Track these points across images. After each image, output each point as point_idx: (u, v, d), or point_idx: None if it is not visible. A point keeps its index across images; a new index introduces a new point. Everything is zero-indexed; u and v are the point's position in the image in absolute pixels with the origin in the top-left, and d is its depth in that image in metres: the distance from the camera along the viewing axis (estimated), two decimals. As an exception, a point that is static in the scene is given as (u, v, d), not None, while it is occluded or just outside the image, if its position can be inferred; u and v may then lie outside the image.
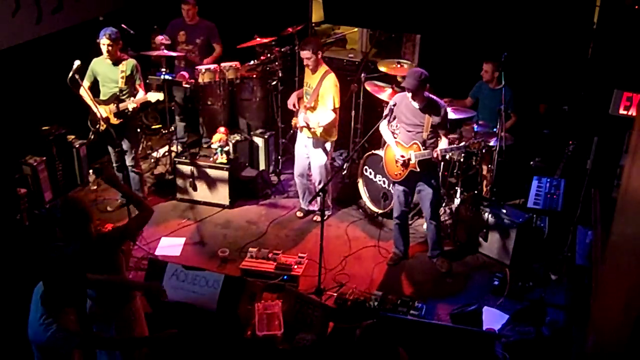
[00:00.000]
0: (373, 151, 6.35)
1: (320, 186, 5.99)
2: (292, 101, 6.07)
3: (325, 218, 6.13)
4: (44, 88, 6.28)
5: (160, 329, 4.03)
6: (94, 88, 5.91)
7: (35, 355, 3.46)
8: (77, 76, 5.63)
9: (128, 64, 5.84)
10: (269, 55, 7.07)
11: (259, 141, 7.05)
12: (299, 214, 6.46)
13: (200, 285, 4.83)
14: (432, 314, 5.10)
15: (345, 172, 6.99)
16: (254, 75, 7.07)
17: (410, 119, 5.22)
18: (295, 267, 5.45)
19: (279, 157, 7.14)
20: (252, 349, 4.69)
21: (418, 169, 5.26)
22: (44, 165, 6.30)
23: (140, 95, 5.92)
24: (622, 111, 4.84)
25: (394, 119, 5.39)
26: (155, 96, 5.93)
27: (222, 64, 6.85)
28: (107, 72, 5.82)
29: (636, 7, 5.57)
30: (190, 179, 6.53)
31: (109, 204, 6.48)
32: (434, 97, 5.21)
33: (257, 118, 7.32)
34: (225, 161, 6.44)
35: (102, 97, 5.90)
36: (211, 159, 6.49)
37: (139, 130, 7.33)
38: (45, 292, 3.29)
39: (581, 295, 4.67)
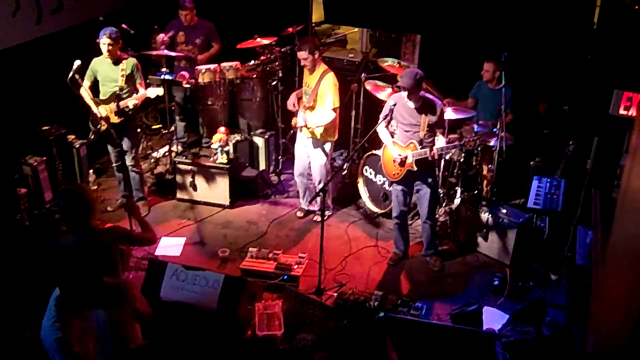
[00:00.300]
0: (373, 151, 6.35)
1: (320, 186, 6.00)
2: (291, 101, 6.07)
3: (325, 218, 6.14)
4: (44, 88, 6.27)
5: (160, 329, 4.05)
6: (94, 88, 5.91)
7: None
8: (77, 76, 5.63)
9: (128, 63, 5.84)
10: (269, 55, 7.07)
11: (259, 141, 7.05)
12: (299, 214, 6.46)
13: (200, 285, 4.82)
14: (432, 314, 5.10)
15: (345, 172, 6.99)
16: (254, 75, 7.07)
17: (407, 119, 5.22)
18: (296, 267, 5.44)
19: (279, 157, 7.14)
20: (252, 349, 4.69)
21: (415, 169, 5.27)
22: (44, 165, 6.30)
23: (142, 92, 5.92)
24: (622, 111, 4.84)
25: (390, 117, 5.39)
26: (154, 92, 5.93)
27: (222, 64, 6.85)
28: (107, 71, 5.82)
29: (636, 7, 5.58)
30: (191, 179, 6.53)
31: (109, 204, 6.48)
32: (430, 97, 5.22)
33: (257, 118, 7.32)
34: (225, 161, 6.44)
35: (102, 97, 5.90)
36: (211, 159, 6.49)
37: (139, 130, 7.34)
38: (61, 294, 3.31)
39: (581, 295, 4.67)
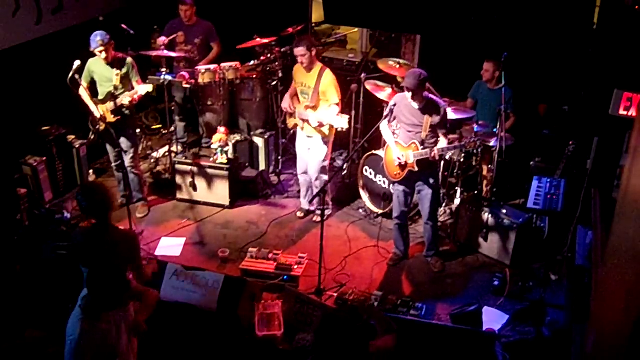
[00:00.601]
0: (373, 151, 6.35)
1: (318, 183, 6.00)
2: (287, 103, 6.06)
3: (325, 218, 6.14)
4: (43, 88, 6.27)
5: (160, 329, 4.05)
6: (92, 88, 5.90)
7: None
8: (77, 76, 5.64)
9: (125, 62, 5.82)
10: (269, 55, 7.07)
11: (259, 141, 7.05)
12: (300, 214, 6.46)
13: (200, 285, 4.83)
14: (432, 314, 5.10)
15: (345, 172, 6.99)
16: (254, 76, 7.07)
17: (410, 119, 5.22)
18: (295, 267, 5.44)
19: (279, 157, 7.13)
20: (252, 349, 4.69)
21: (417, 169, 5.27)
22: (44, 166, 6.30)
23: (140, 85, 5.89)
24: (622, 111, 4.83)
25: (394, 119, 5.40)
26: (144, 88, 5.88)
27: (222, 64, 6.85)
28: (103, 71, 5.80)
29: (636, 7, 5.57)
30: (190, 179, 6.53)
31: (109, 204, 6.47)
32: (434, 97, 5.21)
33: (257, 118, 7.32)
34: (225, 161, 6.44)
35: (100, 97, 5.89)
36: (211, 159, 6.49)
37: (138, 130, 7.34)
38: (88, 296, 3.35)
39: (581, 295, 4.67)
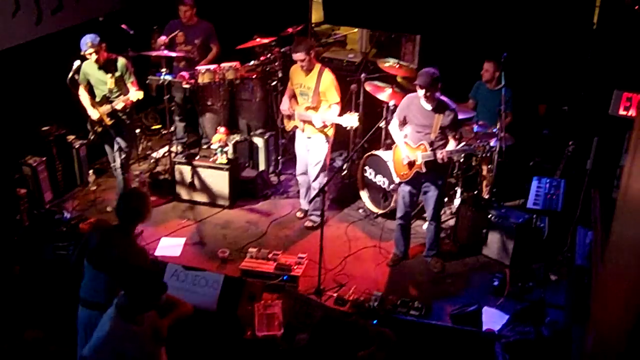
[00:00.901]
0: (373, 151, 6.35)
1: (316, 184, 5.99)
2: (287, 105, 6.04)
3: (315, 224, 6.15)
4: (43, 88, 6.27)
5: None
6: (91, 89, 5.89)
7: None
8: (76, 76, 5.63)
9: (118, 64, 5.79)
10: (268, 55, 7.07)
11: (258, 141, 7.05)
12: (299, 214, 6.45)
13: (200, 285, 4.83)
14: (432, 314, 5.10)
15: (345, 172, 6.99)
16: (254, 76, 7.07)
17: (420, 120, 5.21)
18: (295, 267, 5.44)
19: (279, 158, 7.13)
20: (252, 349, 4.69)
21: (424, 170, 5.26)
22: (44, 166, 6.30)
23: (131, 91, 5.85)
24: (622, 111, 4.83)
25: (404, 118, 5.38)
26: (135, 95, 5.85)
27: (222, 64, 6.84)
28: (97, 74, 5.75)
29: (636, 7, 5.57)
30: (190, 180, 6.53)
31: (108, 204, 6.48)
32: (445, 99, 5.20)
33: (257, 118, 7.31)
34: (225, 161, 6.44)
35: (97, 99, 5.85)
36: (211, 160, 6.49)
37: (138, 130, 7.34)
38: (125, 297, 3.34)
39: (581, 295, 4.67)
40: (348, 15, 6.89)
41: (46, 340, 4.74)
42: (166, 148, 7.01)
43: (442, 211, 6.24)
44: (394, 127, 5.50)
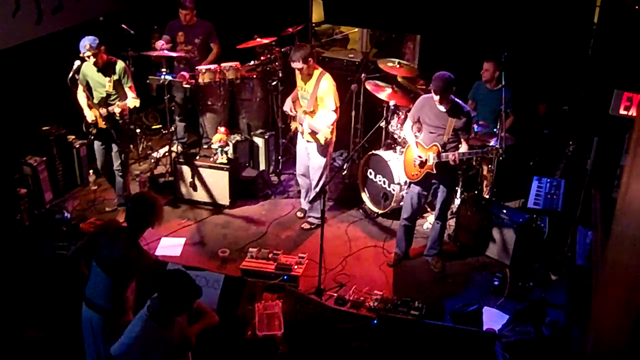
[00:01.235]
0: (373, 151, 6.35)
1: (318, 187, 5.98)
2: (288, 106, 6.02)
3: (314, 226, 6.15)
4: (43, 88, 6.27)
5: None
6: (90, 91, 5.87)
7: None
8: (77, 76, 5.62)
9: (117, 67, 5.75)
10: (269, 55, 7.07)
11: (259, 141, 7.05)
12: (299, 214, 6.45)
13: (200, 285, 4.81)
14: (432, 314, 5.09)
15: (345, 172, 6.99)
16: (254, 76, 7.07)
17: (434, 121, 5.20)
18: (296, 267, 5.44)
19: (279, 157, 7.13)
20: (252, 349, 4.70)
21: (435, 172, 5.26)
22: (44, 166, 6.30)
23: (131, 96, 5.82)
24: (622, 111, 4.83)
25: (418, 119, 5.37)
26: (132, 102, 5.82)
27: (222, 64, 6.84)
28: (95, 77, 5.71)
29: (636, 7, 5.57)
30: (191, 179, 6.53)
31: (108, 204, 6.48)
32: (460, 102, 5.20)
33: (257, 118, 7.32)
34: (225, 161, 6.44)
35: (95, 101, 5.83)
36: (211, 159, 6.49)
37: (138, 130, 7.34)
38: (158, 300, 3.31)
39: (581, 295, 4.67)
40: (348, 15, 6.90)
41: (46, 340, 4.74)
42: (166, 148, 7.01)
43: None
44: (407, 128, 5.50)
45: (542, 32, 6.18)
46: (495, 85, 6.28)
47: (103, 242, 3.85)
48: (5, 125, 5.88)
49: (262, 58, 7.11)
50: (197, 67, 6.78)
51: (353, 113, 6.92)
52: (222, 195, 6.53)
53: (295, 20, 7.25)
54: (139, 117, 7.74)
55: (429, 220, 6.17)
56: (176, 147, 7.11)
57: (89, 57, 5.52)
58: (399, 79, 6.95)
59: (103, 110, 5.75)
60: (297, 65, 5.61)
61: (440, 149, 5.18)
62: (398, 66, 6.59)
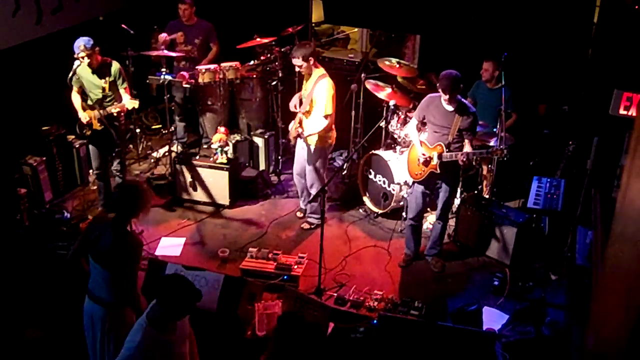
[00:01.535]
0: (373, 151, 6.35)
1: (312, 190, 5.98)
2: (293, 103, 6.01)
3: (313, 226, 6.15)
4: (44, 88, 6.27)
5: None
6: (83, 93, 5.85)
7: None
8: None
9: (112, 68, 5.74)
10: (269, 55, 7.08)
11: (259, 141, 7.05)
12: (299, 214, 6.45)
13: (200, 285, 4.82)
14: (432, 313, 5.09)
15: (345, 172, 6.99)
16: (254, 75, 7.07)
17: (440, 121, 5.20)
18: (295, 267, 5.44)
19: (279, 157, 7.13)
20: (252, 349, 4.69)
21: (439, 171, 5.26)
22: (44, 166, 6.30)
23: (125, 99, 5.80)
24: (622, 111, 4.83)
25: (424, 118, 5.37)
26: (131, 103, 5.80)
27: (222, 64, 6.84)
28: (90, 78, 5.68)
29: (636, 7, 5.57)
30: (190, 179, 6.53)
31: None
32: (466, 102, 5.20)
33: (257, 118, 7.32)
34: (225, 161, 6.44)
35: (89, 102, 5.81)
36: (211, 159, 6.49)
37: (137, 131, 7.34)
38: (157, 306, 3.27)
39: (581, 295, 4.67)
40: (348, 15, 6.90)
41: (46, 340, 4.73)
42: (166, 148, 7.01)
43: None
44: (411, 126, 5.50)
45: (542, 32, 6.18)
46: (495, 84, 6.28)
47: (94, 237, 3.84)
48: (5, 125, 5.88)
49: (262, 58, 7.12)
50: (196, 67, 6.79)
51: (353, 113, 6.92)
52: (222, 195, 6.53)
53: (295, 20, 7.24)
54: (139, 117, 7.74)
55: (429, 220, 6.17)
56: (176, 147, 7.11)
57: (83, 58, 5.50)
58: (399, 79, 6.95)
59: (98, 112, 5.73)
60: (296, 62, 5.60)
61: (444, 148, 5.19)
62: (398, 66, 6.59)
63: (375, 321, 4.74)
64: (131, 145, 7.46)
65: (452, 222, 6.14)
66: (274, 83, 6.99)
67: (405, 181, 6.00)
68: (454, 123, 5.12)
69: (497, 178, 6.09)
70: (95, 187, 6.74)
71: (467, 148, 5.19)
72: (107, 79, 5.68)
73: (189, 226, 6.26)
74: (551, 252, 5.68)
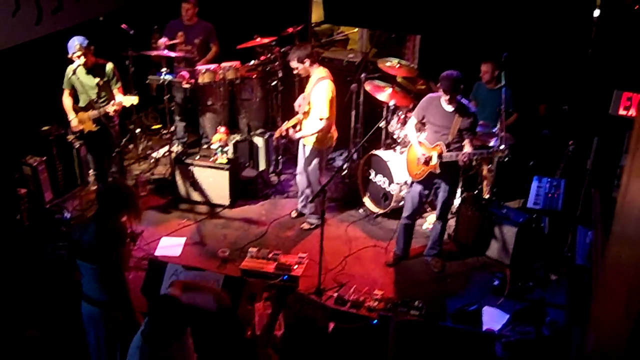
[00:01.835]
0: (373, 151, 6.35)
1: (309, 191, 5.98)
2: (298, 103, 6.00)
3: (312, 227, 6.15)
4: (44, 88, 6.27)
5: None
6: (76, 94, 5.84)
7: None
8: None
9: (105, 69, 5.73)
10: (269, 55, 7.08)
11: (259, 141, 7.05)
12: (293, 214, 6.44)
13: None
14: (432, 313, 5.09)
15: (345, 172, 6.99)
16: (254, 75, 7.07)
17: (440, 121, 5.19)
18: (295, 267, 5.44)
19: (279, 157, 7.13)
20: (252, 349, 4.69)
21: (438, 171, 5.25)
22: (44, 165, 6.29)
23: (119, 99, 5.80)
24: (622, 111, 4.83)
25: (423, 118, 5.37)
26: (129, 100, 5.80)
27: (222, 64, 6.85)
28: (84, 79, 5.68)
29: (636, 7, 5.57)
30: (190, 179, 6.53)
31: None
32: (466, 102, 5.19)
33: (257, 118, 7.32)
34: (225, 161, 6.44)
35: (81, 104, 5.80)
36: (211, 159, 6.49)
37: (137, 131, 7.34)
38: (150, 329, 3.25)
39: (581, 295, 4.67)
40: (348, 15, 6.89)
41: (46, 340, 4.73)
42: (166, 148, 7.01)
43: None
44: (410, 126, 5.50)
45: (542, 32, 6.17)
46: (495, 85, 6.28)
47: (76, 237, 3.83)
48: (5, 125, 5.88)
49: (262, 58, 7.12)
50: (196, 67, 6.79)
51: (353, 113, 6.92)
52: (222, 195, 6.53)
53: (295, 20, 7.25)
54: (139, 117, 7.74)
55: (428, 220, 6.17)
56: (176, 147, 7.10)
57: (79, 57, 5.49)
58: (399, 79, 6.95)
59: (93, 113, 5.72)
60: (291, 64, 5.62)
61: (444, 148, 5.18)
62: (398, 66, 6.59)
63: (375, 321, 4.74)
64: (131, 145, 7.47)
65: (452, 222, 6.15)
66: (274, 83, 6.99)
67: (406, 181, 5.99)
68: (454, 123, 5.12)
69: (497, 178, 6.09)
70: (95, 188, 6.75)
71: (468, 148, 5.18)
72: (102, 79, 5.68)
73: (189, 226, 6.26)
74: (551, 252, 5.68)
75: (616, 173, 4.68)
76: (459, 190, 6.19)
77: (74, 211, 6.29)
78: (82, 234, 3.80)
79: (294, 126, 5.93)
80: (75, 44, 5.45)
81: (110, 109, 5.72)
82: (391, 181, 6.12)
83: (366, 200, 6.53)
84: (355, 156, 6.83)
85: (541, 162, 6.14)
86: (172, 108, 7.19)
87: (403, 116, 6.42)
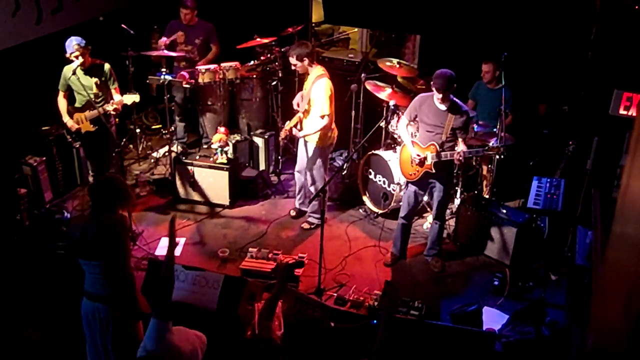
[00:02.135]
0: (373, 151, 6.35)
1: (312, 189, 5.98)
2: (296, 101, 6.02)
3: (313, 226, 6.15)
4: (44, 88, 6.27)
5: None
6: (71, 96, 5.83)
7: None
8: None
9: (103, 69, 5.73)
10: (269, 55, 7.08)
11: (259, 141, 7.05)
12: (293, 212, 6.44)
13: (200, 285, 4.82)
14: (432, 313, 5.10)
15: (345, 172, 6.99)
16: (254, 75, 7.07)
17: (432, 120, 5.18)
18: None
19: (279, 157, 7.13)
20: (252, 349, 4.69)
21: (434, 171, 5.25)
22: (44, 165, 6.30)
23: (117, 98, 5.80)
24: (622, 111, 4.83)
25: (415, 117, 5.36)
26: (131, 98, 5.79)
27: (222, 64, 6.85)
28: (81, 79, 5.66)
29: (636, 7, 5.57)
30: (191, 179, 6.53)
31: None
32: (458, 101, 5.19)
33: (257, 118, 7.32)
34: (225, 161, 6.44)
35: (77, 105, 5.80)
36: (211, 159, 6.49)
37: (137, 131, 7.33)
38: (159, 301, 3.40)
39: (581, 295, 4.67)
40: (348, 15, 6.89)
41: (46, 340, 4.73)
42: (166, 148, 7.01)
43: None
44: (402, 126, 5.49)
45: (541, 32, 6.17)
46: (496, 84, 6.28)
47: (78, 236, 3.83)
48: (5, 125, 5.88)
49: (262, 58, 7.12)
50: (196, 67, 6.79)
51: (353, 113, 6.92)
52: (222, 195, 6.53)
53: (295, 20, 7.25)
54: (139, 117, 7.74)
55: (428, 220, 6.17)
56: (176, 147, 7.11)
57: (77, 56, 5.49)
58: (399, 79, 6.95)
59: (90, 113, 5.71)
60: (291, 60, 5.64)
61: (438, 148, 5.18)
62: (398, 66, 6.59)
63: (375, 321, 4.74)
64: (131, 145, 7.47)
65: (452, 222, 6.15)
66: (274, 83, 6.99)
67: (405, 181, 5.99)
68: (447, 122, 5.11)
69: (497, 178, 6.09)
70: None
71: (462, 147, 5.18)
72: (100, 79, 5.68)
73: (189, 226, 6.26)
74: (551, 252, 5.68)
75: (616, 173, 4.68)
76: (458, 190, 6.19)
77: (74, 211, 6.29)
78: (84, 232, 3.80)
79: (295, 125, 5.94)
80: (74, 43, 5.44)
81: (111, 108, 5.71)
82: (391, 181, 6.12)
83: (366, 200, 6.53)
84: (355, 156, 6.83)
85: (541, 162, 6.14)
86: (172, 108, 7.19)
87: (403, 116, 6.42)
